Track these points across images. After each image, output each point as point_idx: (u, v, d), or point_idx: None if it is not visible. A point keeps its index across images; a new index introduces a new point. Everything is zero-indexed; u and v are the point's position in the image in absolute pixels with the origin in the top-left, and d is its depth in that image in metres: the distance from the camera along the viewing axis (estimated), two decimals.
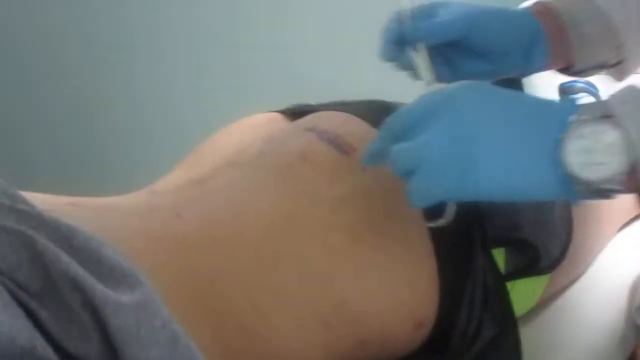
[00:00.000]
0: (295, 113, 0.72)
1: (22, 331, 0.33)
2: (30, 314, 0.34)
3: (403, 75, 0.61)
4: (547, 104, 0.48)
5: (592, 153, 0.43)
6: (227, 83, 1.15)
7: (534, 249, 0.62)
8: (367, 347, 0.53)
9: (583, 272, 0.75)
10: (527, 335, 0.61)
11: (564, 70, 0.66)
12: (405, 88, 0.61)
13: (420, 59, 0.56)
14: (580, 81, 1.36)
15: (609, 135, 0.43)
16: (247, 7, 1.19)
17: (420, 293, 0.55)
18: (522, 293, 0.64)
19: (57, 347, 0.34)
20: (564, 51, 0.63)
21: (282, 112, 0.73)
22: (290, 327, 0.49)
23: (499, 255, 0.60)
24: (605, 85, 1.38)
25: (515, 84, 0.67)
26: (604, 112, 0.44)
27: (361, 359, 0.54)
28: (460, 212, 0.53)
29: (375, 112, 0.66)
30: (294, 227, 0.52)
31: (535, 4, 0.64)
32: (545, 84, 1.51)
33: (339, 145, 0.59)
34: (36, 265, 0.36)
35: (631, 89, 0.46)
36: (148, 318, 0.36)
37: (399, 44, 0.57)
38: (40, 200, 0.43)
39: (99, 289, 0.35)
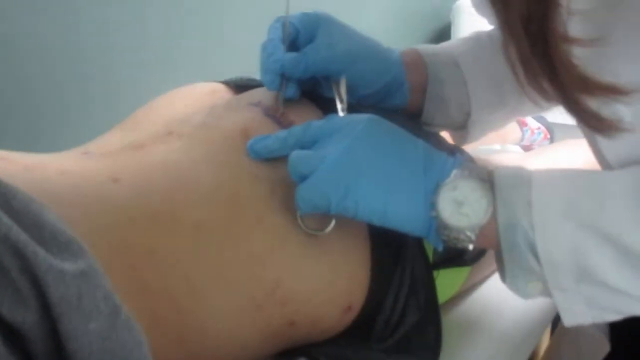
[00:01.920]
0: (239, 86, 0.71)
1: None
2: None
3: None
4: (438, 153, 0.53)
5: (460, 204, 0.49)
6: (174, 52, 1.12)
7: None
8: (295, 328, 0.53)
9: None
10: (447, 321, 0.64)
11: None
12: None
13: (339, 89, 0.62)
14: None
15: (477, 194, 0.49)
16: None
17: (352, 278, 0.56)
18: (445, 282, 0.67)
19: None
20: (417, 102, 0.72)
21: (226, 83, 0.72)
22: (224, 308, 0.48)
23: (429, 245, 0.62)
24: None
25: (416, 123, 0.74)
26: (481, 176, 0.50)
27: (289, 339, 0.55)
28: None
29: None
30: (234, 206, 0.51)
31: (408, 52, 0.72)
32: None
33: (283, 123, 0.59)
34: None
35: (518, 170, 0.51)
36: (90, 289, 0.35)
37: (280, 74, 0.62)
38: None
39: (42, 256, 0.34)
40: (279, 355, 0.55)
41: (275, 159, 0.56)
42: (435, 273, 0.62)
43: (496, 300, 0.75)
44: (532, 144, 1.47)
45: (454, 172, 0.50)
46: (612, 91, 0.44)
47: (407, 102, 0.71)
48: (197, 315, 0.47)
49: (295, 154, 0.52)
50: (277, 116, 0.59)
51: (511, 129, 1.45)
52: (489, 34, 0.75)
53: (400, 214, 0.51)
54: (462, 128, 0.75)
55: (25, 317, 0.33)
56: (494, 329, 0.71)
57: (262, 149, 0.55)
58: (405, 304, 0.59)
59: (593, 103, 0.45)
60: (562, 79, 0.44)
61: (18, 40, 0.89)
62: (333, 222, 0.54)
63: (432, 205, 0.50)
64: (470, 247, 0.51)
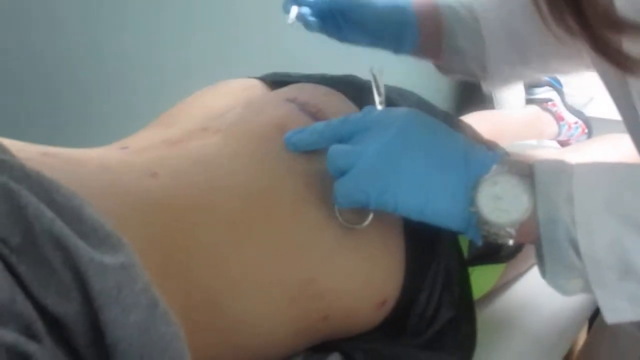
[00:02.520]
0: (274, 82, 0.71)
1: (3, 285, 0.32)
2: (9, 268, 0.34)
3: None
4: (477, 148, 0.52)
5: (500, 199, 0.49)
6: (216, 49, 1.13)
7: None
8: (329, 322, 0.54)
9: (533, 265, 0.79)
10: (481, 318, 0.64)
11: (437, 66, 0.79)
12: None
13: (377, 80, 0.62)
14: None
15: (518, 190, 0.48)
16: None
17: (386, 273, 0.56)
18: (479, 278, 0.66)
19: (34, 303, 0.34)
20: (434, 51, 0.75)
21: (261, 79, 0.72)
22: (258, 302, 0.49)
23: (464, 240, 0.62)
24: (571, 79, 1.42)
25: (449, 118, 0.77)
26: (521, 171, 0.49)
27: (323, 334, 0.55)
28: None
29: (355, 88, 0.67)
30: (271, 201, 0.52)
31: (426, 2, 0.75)
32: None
33: (319, 119, 0.59)
34: (16, 219, 0.35)
35: (559, 164, 0.50)
36: (129, 281, 0.36)
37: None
38: (14, 148, 0.41)
39: (83, 249, 0.35)
40: (312, 350, 0.56)
41: (310, 153, 0.56)
42: (469, 269, 0.62)
43: (531, 297, 0.75)
44: (570, 139, 1.44)
45: (494, 167, 0.50)
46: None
47: (417, 48, 0.74)
48: (231, 309, 0.48)
49: (334, 149, 0.52)
50: (312, 112, 0.60)
51: (548, 124, 1.43)
52: None
53: (440, 210, 0.50)
54: (481, 79, 0.78)
55: (68, 309, 0.34)
56: (529, 327, 0.70)
57: (298, 141, 0.55)
58: (440, 300, 0.58)
59: (620, 41, 0.44)
60: (586, 14, 0.43)
61: (41, 40, 0.91)
62: (371, 216, 0.54)
63: (472, 201, 0.49)
64: (510, 242, 0.50)
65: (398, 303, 0.57)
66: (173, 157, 0.54)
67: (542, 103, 1.43)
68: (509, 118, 1.38)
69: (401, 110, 0.54)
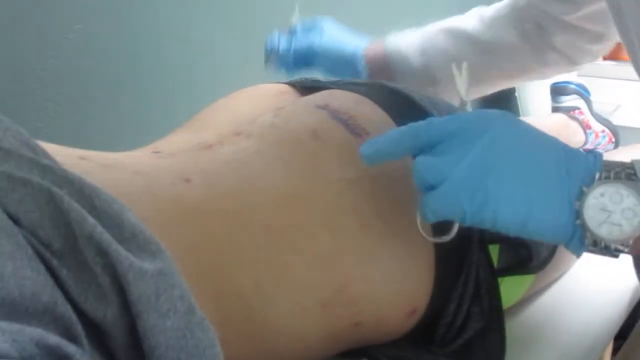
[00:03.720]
0: (304, 87, 0.71)
1: (45, 287, 0.32)
2: (50, 272, 0.34)
3: None
4: (576, 152, 0.48)
5: (610, 212, 0.44)
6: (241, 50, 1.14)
7: (527, 249, 0.63)
8: (360, 329, 0.54)
9: (564, 273, 0.78)
10: (508, 328, 0.63)
11: None
12: None
13: (460, 79, 0.56)
14: (572, 82, 1.38)
15: (629, 200, 0.44)
16: None
17: (417, 282, 0.56)
18: (508, 288, 0.66)
19: (74, 306, 0.34)
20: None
21: (291, 84, 0.73)
22: (290, 307, 0.49)
23: (494, 250, 0.61)
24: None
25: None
26: (628, 175, 0.45)
27: (352, 341, 0.55)
28: None
29: (386, 96, 0.66)
30: (304, 207, 0.52)
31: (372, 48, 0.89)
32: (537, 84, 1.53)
33: (351, 126, 0.59)
34: (58, 224, 0.35)
35: None
36: (168, 287, 0.36)
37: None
38: (52, 151, 0.42)
39: (123, 254, 0.35)
40: (341, 356, 0.56)
41: (344, 160, 0.55)
42: (499, 279, 0.62)
43: (560, 309, 0.74)
44: (596, 148, 1.42)
45: (598, 174, 0.46)
46: None
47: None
48: (264, 314, 0.48)
49: (421, 161, 0.48)
50: (344, 119, 0.59)
51: (574, 132, 1.41)
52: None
53: (544, 223, 0.46)
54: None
55: (107, 313, 0.35)
56: (557, 338, 0.69)
57: (375, 152, 0.50)
58: (469, 310, 0.58)
59: None
60: None
61: (94, 40, 0.92)
62: (456, 228, 0.52)
63: (578, 213, 0.46)
64: (619, 256, 0.47)
65: (427, 312, 0.57)
66: (206, 162, 0.54)
67: (569, 111, 1.41)
68: (536, 126, 1.36)
69: (492, 114, 0.49)
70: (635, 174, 0.45)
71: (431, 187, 0.47)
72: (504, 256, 0.63)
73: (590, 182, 0.46)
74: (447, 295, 0.58)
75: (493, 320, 0.59)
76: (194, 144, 0.59)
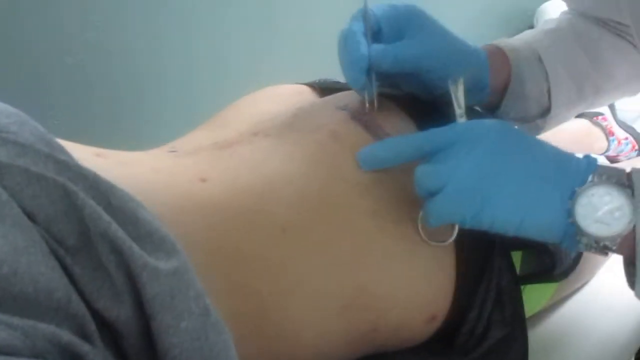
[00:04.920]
0: (323, 88, 0.70)
1: (59, 284, 0.32)
2: (64, 269, 0.33)
3: None
4: (569, 157, 0.51)
5: (599, 211, 0.47)
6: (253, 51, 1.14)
7: (551, 256, 0.61)
8: (379, 334, 0.53)
9: (588, 281, 0.76)
10: (531, 337, 0.62)
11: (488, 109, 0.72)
12: None
13: (457, 92, 0.57)
14: None
15: (618, 201, 0.47)
16: None
17: (437, 287, 0.54)
18: (531, 296, 0.64)
19: (87, 305, 0.33)
20: (496, 100, 0.70)
21: (311, 85, 0.72)
22: (308, 311, 0.48)
23: (516, 257, 0.60)
24: None
25: None
26: (620, 180, 0.48)
27: (371, 346, 0.54)
28: None
29: (406, 98, 0.65)
30: (324, 208, 0.51)
31: (493, 52, 0.68)
32: None
33: (372, 127, 0.58)
34: (72, 220, 0.35)
35: None
36: (182, 288, 0.35)
37: (365, 70, 0.58)
38: (68, 148, 0.41)
39: (137, 253, 0.34)
40: None
41: None
42: (522, 287, 0.60)
43: (584, 317, 0.72)
44: (619, 155, 1.40)
45: (590, 176, 0.48)
46: None
47: (487, 100, 0.69)
48: (281, 317, 0.47)
49: (422, 170, 0.50)
50: (364, 120, 0.58)
51: (596, 139, 1.39)
52: (570, 24, 0.74)
53: (538, 224, 0.49)
54: (534, 120, 0.74)
55: (120, 313, 0.34)
56: (581, 348, 0.68)
57: (372, 159, 0.53)
58: (490, 317, 0.57)
59: None
60: None
61: (104, 41, 0.92)
62: (456, 232, 0.53)
63: (570, 212, 0.48)
64: (609, 254, 0.49)
65: (447, 319, 0.56)
66: (223, 161, 0.53)
67: (592, 117, 1.39)
68: (558, 131, 1.34)
69: (488, 123, 0.51)
70: (627, 181, 0.48)
71: (432, 194, 0.50)
72: (527, 263, 0.62)
73: (583, 184, 0.48)
74: (468, 302, 0.56)
75: (515, 328, 0.58)
76: (211, 143, 0.58)
